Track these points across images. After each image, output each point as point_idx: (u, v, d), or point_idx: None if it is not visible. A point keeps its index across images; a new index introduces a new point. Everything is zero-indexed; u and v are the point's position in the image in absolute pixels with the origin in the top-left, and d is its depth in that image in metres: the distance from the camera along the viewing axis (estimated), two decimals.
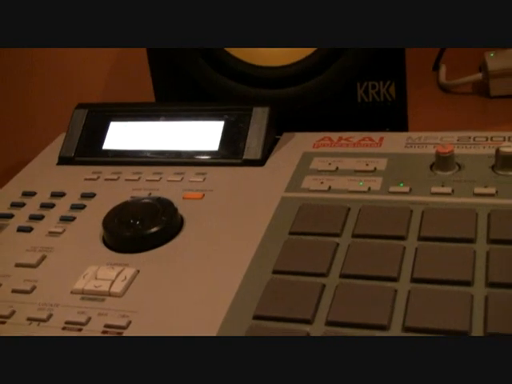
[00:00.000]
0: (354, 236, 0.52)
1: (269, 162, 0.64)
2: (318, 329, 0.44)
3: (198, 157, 0.65)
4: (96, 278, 0.52)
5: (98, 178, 0.65)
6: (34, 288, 0.53)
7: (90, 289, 0.51)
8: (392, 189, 0.56)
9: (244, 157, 0.64)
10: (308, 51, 0.69)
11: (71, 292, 0.52)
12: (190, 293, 0.50)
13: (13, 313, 0.51)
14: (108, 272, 0.52)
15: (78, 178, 0.66)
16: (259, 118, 0.65)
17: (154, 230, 0.55)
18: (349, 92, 0.70)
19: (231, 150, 0.65)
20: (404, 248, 0.50)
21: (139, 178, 0.64)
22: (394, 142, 0.63)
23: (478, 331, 0.42)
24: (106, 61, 0.95)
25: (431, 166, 0.58)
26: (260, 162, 0.63)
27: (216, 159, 0.65)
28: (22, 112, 0.93)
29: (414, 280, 0.47)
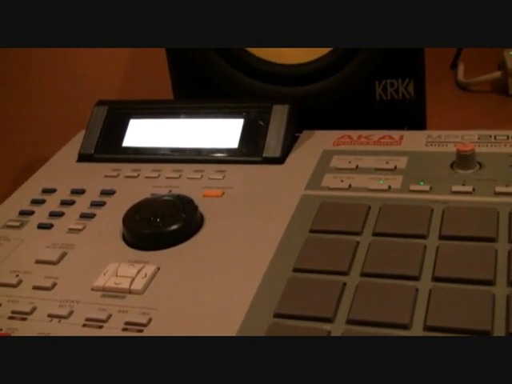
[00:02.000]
0: (375, 234, 0.52)
1: (288, 160, 0.64)
2: (338, 327, 0.44)
3: (217, 154, 0.65)
4: (116, 275, 0.52)
5: (118, 175, 0.66)
6: (54, 285, 0.53)
7: (110, 286, 0.51)
8: (412, 187, 0.56)
9: (264, 155, 0.64)
10: (326, 49, 0.69)
11: (92, 289, 0.52)
12: (210, 290, 0.50)
13: (34, 309, 0.51)
14: (128, 269, 0.53)
15: (97, 175, 0.66)
16: (279, 115, 0.65)
17: (174, 227, 0.55)
18: (367, 90, 0.70)
19: (251, 148, 0.65)
20: (425, 247, 0.50)
21: (159, 176, 0.64)
22: (414, 140, 0.63)
23: (499, 331, 0.42)
24: (124, 59, 0.95)
25: (452, 165, 0.58)
26: (280, 160, 0.63)
27: (236, 157, 0.65)
28: (40, 111, 0.93)
29: (435, 279, 0.47)
